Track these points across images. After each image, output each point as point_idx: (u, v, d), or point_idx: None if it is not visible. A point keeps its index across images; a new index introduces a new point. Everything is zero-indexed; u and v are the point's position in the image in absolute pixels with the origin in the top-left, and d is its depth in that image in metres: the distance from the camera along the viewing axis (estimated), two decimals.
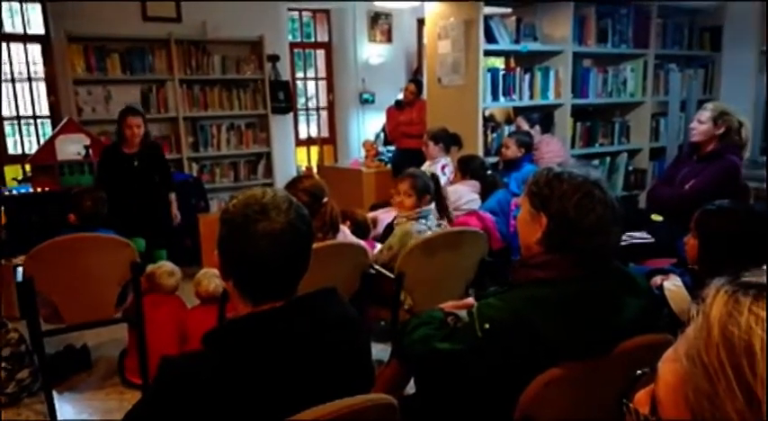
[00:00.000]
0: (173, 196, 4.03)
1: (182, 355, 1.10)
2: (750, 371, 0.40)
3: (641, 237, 2.96)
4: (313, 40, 6.85)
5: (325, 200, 2.18)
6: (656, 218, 3.20)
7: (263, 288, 1.09)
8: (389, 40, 6.83)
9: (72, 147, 4.21)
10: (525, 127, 4.09)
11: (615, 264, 1.41)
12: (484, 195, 3.55)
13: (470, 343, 1.34)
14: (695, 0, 4.85)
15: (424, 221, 2.65)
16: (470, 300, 1.69)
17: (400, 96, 5.51)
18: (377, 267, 2.48)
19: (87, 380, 2.88)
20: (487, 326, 1.32)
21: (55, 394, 2.53)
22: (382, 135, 6.05)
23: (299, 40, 6.75)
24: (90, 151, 4.21)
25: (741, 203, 1.92)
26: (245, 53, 5.83)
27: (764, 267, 0.47)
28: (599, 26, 4.37)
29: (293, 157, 6.51)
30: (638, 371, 0.54)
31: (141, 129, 3.76)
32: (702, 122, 3.01)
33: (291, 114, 6.36)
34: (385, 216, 3.36)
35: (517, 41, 4.10)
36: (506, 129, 4.29)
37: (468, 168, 3.58)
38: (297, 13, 6.59)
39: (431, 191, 2.72)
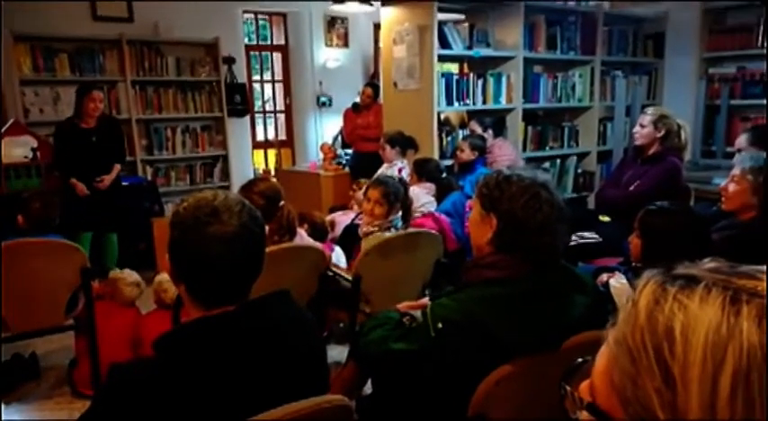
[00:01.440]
0: (117, 167, 4.07)
1: (130, 362, 1.09)
2: (669, 352, 0.44)
3: (590, 236, 3.08)
4: (269, 42, 6.81)
5: (282, 203, 2.18)
6: (604, 218, 3.33)
7: (215, 292, 1.08)
8: (346, 44, 6.85)
9: (18, 150, 4.08)
10: (479, 130, 4.18)
11: (562, 263, 1.47)
12: (439, 197, 3.61)
13: (424, 343, 1.37)
14: (638, 3, 5.06)
15: (394, 230, 2.65)
16: (425, 300, 1.73)
17: (358, 100, 5.54)
18: (334, 269, 2.50)
19: (36, 391, 2.79)
20: (440, 325, 1.35)
21: (2, 405, 2.45)
22: (340, 138, 6.07)
23: (255, 42, 6.70)
24: (38, 154, 4.08)
25: (680, 204, 2.02)
26: (200, 55, 5.75)
27: (705, 260, 0.51)
28: (548, 33, 4.51)
29: (250, 160, 6.46)
30: (579, 359, 0.57)
31: (102, 105, 3.89)
32: (644, 126, 3.16)
33: (248, 117, 6.30)
34: (342, 218, 3.39)
35: (470, 47, 4.19)
36: (461, 133, 4.37)
37: (423, 171, 3.64)
38: (253, 15, 6.54)
39: (401, 199, 2.69)
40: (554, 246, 1.40)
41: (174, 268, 1.11)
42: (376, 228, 2.58)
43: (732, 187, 2.09)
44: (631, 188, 3.21)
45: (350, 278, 2.38)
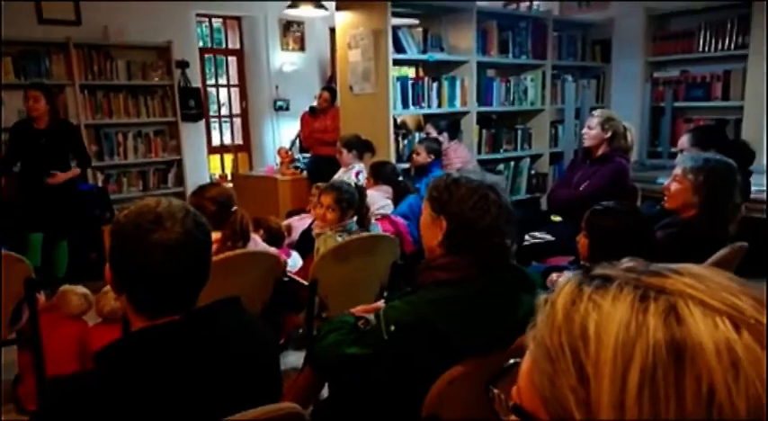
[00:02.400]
0: (76, 170, 3.98)
1: (70, 376, 1.06)
2: (584, 351, 0.44)
3: (541, 236, 3.15)
4: (224, 46, 6.73)
5: (234, 208, 2.16)
6: (556, 218, 3.41)
7: (159, 301, 1.06)
8: (302, 48, 6.82)
9: None
10: (434, 133, 4.22)
11: (512, 263, 1.51)
12: (396, 200, 3.64)
13: (377, 346, 1.38)
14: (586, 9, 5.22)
15: (347, 234, 2.64)
16: (380, 303, 1.74)
17: (315, 104, 5.53)
18: (290, 274, 2.48)
19: None
20: (393, 328, 1.36)
21: None
22: (298, 142, 6.03)
23: (209, 46, 6.61)
24: None
25: (625, 204, 2.09)
26: (152, 59, 5.63)
27: (624, 260, 0.52)
28: (500, 38, 4.60)
29: (206, 165, 6.35)
30: (511, 361, 0.57)
31: (40, 104, 3.73)
32: (592, 128, 3.27)
33: (203, 121, 6.21)
34: (299, 223, 3.37)
35: (424, 51, 4.24)
36: (417, 136, 4.41)
37: (380, 174, 3.66)
38: (207, 19, 6.45)
39: (355, 205, 2.67)
40: (503, 246, 1.43)
41: (115, 278, 1.08)
42: (327, 230, 2.57)
43: (674, 186, 2.18)
44: (581, 188, 3.30)
45: (305, 282, 2.37)
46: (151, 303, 1.07)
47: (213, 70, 6.69)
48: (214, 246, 2.23)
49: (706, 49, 4.82)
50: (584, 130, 3.33)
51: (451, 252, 1.42)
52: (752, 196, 3.14)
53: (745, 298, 0.44)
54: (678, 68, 5.08)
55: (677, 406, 0.40)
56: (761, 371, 0.40)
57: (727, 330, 0.41)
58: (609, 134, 3.24)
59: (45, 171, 3.78)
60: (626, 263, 0.50)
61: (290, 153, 5.31)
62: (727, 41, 4.70)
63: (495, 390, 0.56)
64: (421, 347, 1.35)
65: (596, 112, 3.39)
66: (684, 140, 3.10)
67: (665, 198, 2.24)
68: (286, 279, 2.44)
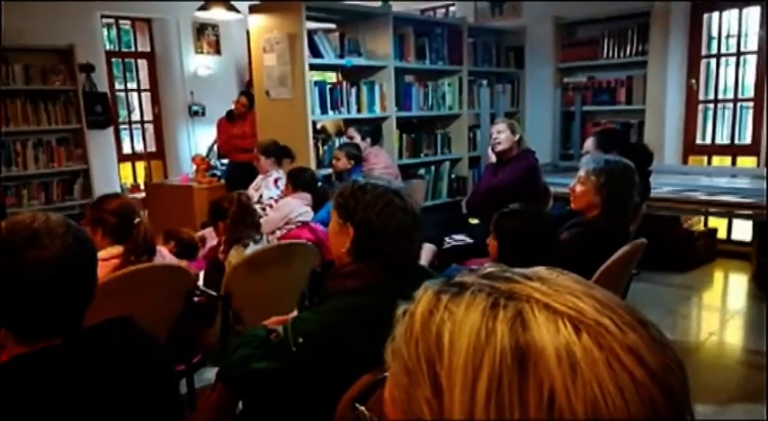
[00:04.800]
0: None
1: None
2: (439, 362, 0.43)
3: (459, 239, 3.20)
4: (133, 49, 6.43)
5: (137, 220, 2.04)
6: (473, 221, 3.48)
7: (38, 325, 0.98)
8: (218, 51, 6.64)
9: None
10: (357, 138, 4.20)
11: (420, 268, 1.50)
12: (316, 207, 3.58)
13: (286, 359, 1.34)
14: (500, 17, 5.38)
15: (254, 245, 2.56)
16: (294, 314, 1.69)
17: (232, 109, 5.38)
18: (202, 288, 2.38)
19: None
20: (301, 340, 1.32)
21: None
22: (216, 148, 5.85)
23: (117, 49, 6.29)
24: None
25: (531, 206, 2.15)
26: (53, 62, 5.29)
27: (485, 265, 0.51)
28: (417, 44, 4.66)
29: (117, 175, 6.03)
30: (381, 375, 0.55)
31: None
32: (501, 132, 3.38)
33: (112, 128, 5.90)
34: (213, 234, 3.24)
35: (342, 56, 4.22)
36: (337, 141, 4.38)
37: (298, 181, 3.59)
38: (113, 20, 6.14)
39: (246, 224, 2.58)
40: (410, 251, 1.42)
41: None
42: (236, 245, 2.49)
43: (578, 188, 2.26)
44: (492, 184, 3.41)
45: (213, 293, 2.28)
46: (28, 327, 0.99)
47: (122, 74, 6.37)
48: (116, 261, 2.12)
49: (610, 55, 5.10)
50: (494, 137, 3.43)
51: (359, 259, 1.40)
52: (651, 195, 3.32)
53: (587, 299, 0.43)
54: (585, 74, 5.34)
55: (521, 412, 0.40)
56: (598, 373, 0.40)
57: (567, 333, 0.41)
58: (517, 136, 3.37)
59: None
60: (486, 268, 0.49)
61: (206, 160, 5.13)
62: (628, 49, 4.99)
63: (361, 407, 0.53)
64: (329, 357, 1.32)
65: (497, 120, 3.63)
66: (589, 143, 3.24)
67: (571, 199, 2.31)
68: (197, 292, 2.33)
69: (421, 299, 0.48)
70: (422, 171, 4.90)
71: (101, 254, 2.01)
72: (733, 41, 4.80)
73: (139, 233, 2.04)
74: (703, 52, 4.91)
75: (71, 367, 0.97)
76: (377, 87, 4.43)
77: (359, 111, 4.36)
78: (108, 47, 6.09)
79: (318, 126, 4.40)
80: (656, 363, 0.41)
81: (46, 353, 0.97)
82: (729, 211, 3.85)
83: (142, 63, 6.42)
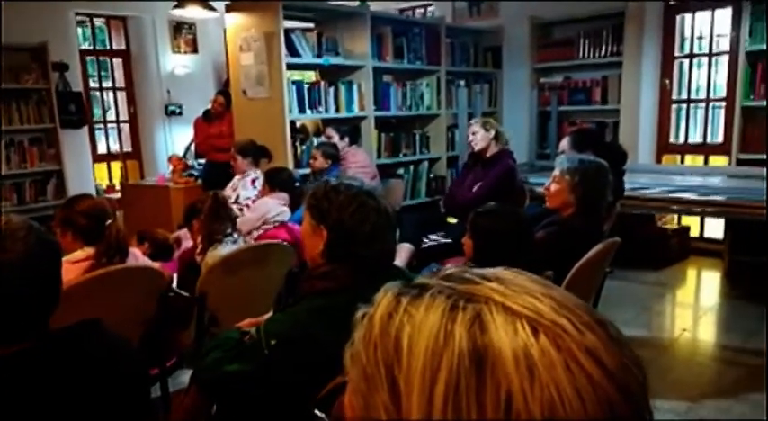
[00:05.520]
0: None
1: None
2: (397, 366, 0.43)
3: (436, 238, 3.21)
4: (108, 47, 6.33)
5: (109, 221, 2.00)
6: (452, 220, 3.49)
7: (1, 329, 0.96)
8: (195, 50, 6.56)
9: None
10: (336, 137, 4.19)
11: (395, 269, 1.50)
12: (294, 207, 3.56)
13: (258, 361, 1.33)
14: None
15: (231, 245, 2.54)
16: (268, 315, 1.68)
17: (210, 108, 5.33)
18: (176, 290, 2.35)
19: None
20: (273, 342, 1.32)
21: None
22: (193, 148, 5.78)
23: (91, 47, 6.19)
24: None
25: (506, 206, 2.16)
26: (25, 61, 5.18)
27: (448, 266, 0.51)
28: (395, 44, 4.66)
29: (91, 175, 5.94)
30: (344, 379, 0.54)
31: None
32: (477, 132, 3.41)
33: (86, 128, 5.80)
34: (189, 235, 3.20)
35: (319, 55, 4.20)
36: (315, 141, 4.36)
37: (275, 181, 3.56)
38: (87, 18, 6.04)
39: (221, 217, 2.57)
40: (384, 252, 1.42)
41: None
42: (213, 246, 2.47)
43: (553, 187, 2.28)
44: (474, 189, 3.41)
45: (186, 294, 2.26)
46: None
47: (97, 73, 6.27)
48: (87, 263, 2.08)
49: (586, 56, 5.15)
50: (470, 137, 3.46)
51: (333, 260, 1.39)
52: (626, 194, 3.37)
53: (546, 300, 0.43)
54: (562, 75, 5.39)
55: (478, 414, 0.39)
56: (555, 375, 0.40)
57: (525, 335, 0.41)
58: (493, 133, 3.39)
59: None
60: (447, 270, 0.49)
61: (182, 160, 5.07)
62: (604, 49, 5.05)
63: (321, 414, 0.53)
64: (302, 359, 1.31)
65: (473, 120, 3.65)
66: (564, 143, 3.28)
67: (547, 198, 2.34)
68: (172, 294, 2.30)
69: (381, 301, 0.47)
70: (401, 170, 4.90)
71: (71, 256, 1.98)
72: (705, 42, 4.89)
73: (111, 234, 2.00)
74: (676, 53, 4.99)
75: (42, 370, 0.96)
76: (355, 87, 4.42)
77: (337, 110, 4.35)
78: (82, 45, 5.99)
79: (298, 125, 4.38)
80: (614, 364, 0.41)
81: (15, 357, 0.96)
82: (702, 210, 3.92)
83: (117, 62, 6.33)
